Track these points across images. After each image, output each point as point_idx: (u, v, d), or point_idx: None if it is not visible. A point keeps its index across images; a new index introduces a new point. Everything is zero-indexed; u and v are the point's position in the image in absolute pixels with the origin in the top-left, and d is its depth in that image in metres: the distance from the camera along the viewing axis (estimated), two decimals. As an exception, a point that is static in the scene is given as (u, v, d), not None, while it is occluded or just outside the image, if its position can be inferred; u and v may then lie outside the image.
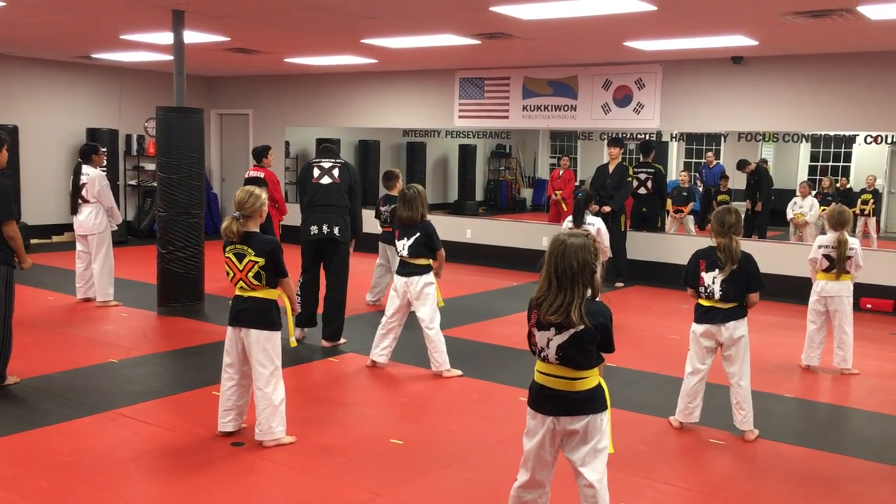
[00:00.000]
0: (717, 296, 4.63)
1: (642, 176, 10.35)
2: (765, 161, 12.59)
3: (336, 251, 6.47)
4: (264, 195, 4.43)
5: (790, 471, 4.36)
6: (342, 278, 6.57)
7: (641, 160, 10.56)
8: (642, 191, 10.35)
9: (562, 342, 2.97)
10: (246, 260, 4.33)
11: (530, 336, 3.06)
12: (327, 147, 6.79)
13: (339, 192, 6.42)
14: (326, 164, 6.52)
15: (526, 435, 3.15)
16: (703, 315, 4.72)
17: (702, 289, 4.69)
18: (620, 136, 10.63)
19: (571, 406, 3.02)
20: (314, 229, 6.39)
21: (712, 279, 4.64)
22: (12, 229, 5.15)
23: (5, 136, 5.33)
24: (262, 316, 4.38)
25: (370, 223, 8.18)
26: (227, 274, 4.43)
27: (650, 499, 3.93)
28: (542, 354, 3.03)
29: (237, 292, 4.43)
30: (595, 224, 7.23)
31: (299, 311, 6.17)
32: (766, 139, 12.70)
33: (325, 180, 6.44)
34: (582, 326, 2.92)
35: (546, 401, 3.06)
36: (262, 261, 4.32)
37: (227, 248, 4.39)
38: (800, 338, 6.65)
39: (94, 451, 4.33)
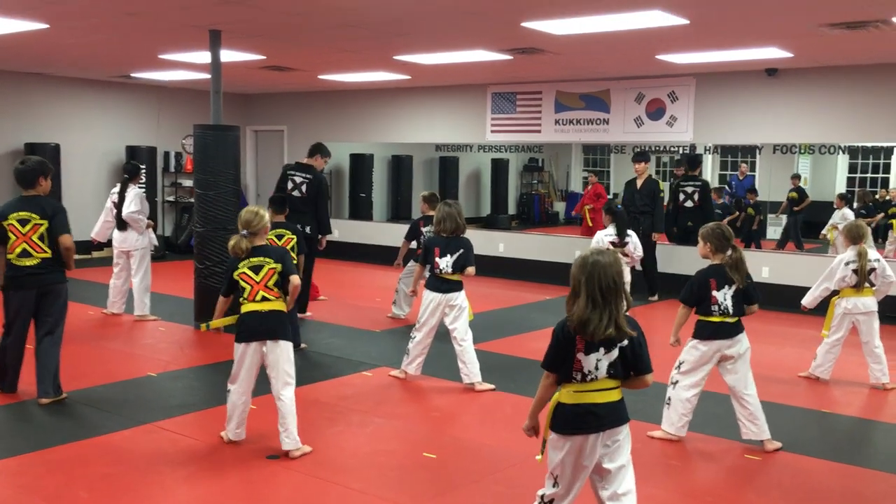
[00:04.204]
0: (731, 311, 4.68)
1: (689, 189, 10.26)
2: (798, 177, 12.43)
3: (310, 245, 7.79)
4: (267, 215, 4.71)
5: (819, 487, 4.31)
6: (310, 264, 8.08)
7: (688, 173, 10.48)
8: (689, 204, 10.26)
9: (613, 360, 3.02)
10: (266, 269, 4.55)
11: (572, 362, 3.02)
12: (302, 163, 8.37)
13: (306, 203, 8.04)
14: (298, 179, 8.17)
15: (567, 471, 3.07)
16: (714, 332, 4.72)
17: (714, 307, 4.70)
18: (646, 149, 10.55)
19: (619, 416, 3.08)
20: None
21: (724, 296, 4.67)
22: (71, 240, 5.35)
23: (51, 166, 5.52)
24: (284, 328, 4.60)
25: (392, 237, 8.28)
26: (243, 290, 4.56)
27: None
28: (589, 377, 3.03)
29: (252, 308, 4.57)
30: (631, 237, 7.42)
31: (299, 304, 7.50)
32: (802, 151, 12.57)
33: (296, 193, 8.08)
34: (633, 335, 3.01)
35: (592, 418, 3.04)
36: (279, 266, 4.55)
37: (241, 265, 4.57)
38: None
39: (133, 463, 4.41)
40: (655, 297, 9.81)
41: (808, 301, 6.30)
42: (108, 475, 4.23)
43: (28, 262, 5.28)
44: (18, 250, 5.26)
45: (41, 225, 5.26)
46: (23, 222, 5.25)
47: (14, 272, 5.30)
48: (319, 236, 8.19)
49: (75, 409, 5.31)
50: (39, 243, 5.26)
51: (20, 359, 5.50)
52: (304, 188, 8.13)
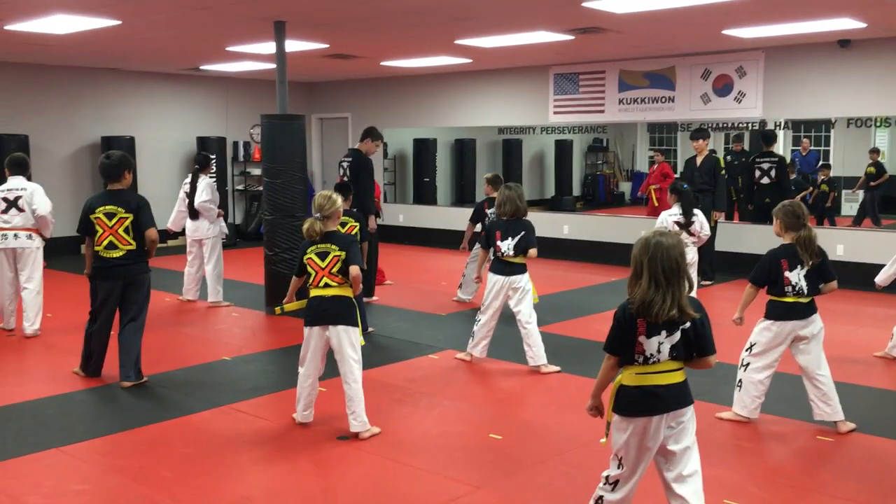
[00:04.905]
0: (806, 291, 4.59)
1: (765, 165, 10.03)
2: (876, 151, 12.00)
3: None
4: (340, 200, 4.76)
5: (894, 468, 4.22)
6: (375, 250, 8.34)
7: (764, 149, 10.26)
8: (765, 180, 10.03)
9: (675, 342, 3.00)
10: (331, 256, 4.62)
11: (633, 345, 3.02)
12: (351, 148, 8.68)
13: (351, 185, 7.78)
14: (345, 164, 8.36)
15: (631, 453, 3.07)
16: (787, 313, 4.63)
17: (788, 288, 4.61)
18: (706, 126, 10.31)
19: (683, 398, 3.07)
20: None
21: (797, 276, 4.59)
22: (156, 233, 5.58)
23: (132, 161, 5.74)
24: (348, 313, 4.66)
25: (456, 221, 8.30)
26: (309, 275, 4.67)
27: (758, 497, 3.87)
28: (651, 360, 3.03)
29: (317, 293, 4.67)
30: (697, 216, 7.33)
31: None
32: (879, 124, 12.15)
33: (345, 179, 8.18)
34: (696, 317, 2.99)
35: (656, 400, 3.04)
36: (343, 254, 4.60)
37: (309, 250, 4.66)
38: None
39: (212, 443, 4.59)
40: (709, 283, 9.52)
41: (881, 279, 6.13)
42: (189, 455, 4.41)
43: (114, 254, 5.51)
44: (105, 242, 5.50)
45: (126, 218, 5.49)
46: (109, 216, 5.48)
47: (101, 263, 5.54)
48: (373, 217, 8.19)
49: (156, 392, 5.53)
50: (125, 236, 5.49)
51: (105, 345, 5.77)
52: (349, 171, 8.26)
